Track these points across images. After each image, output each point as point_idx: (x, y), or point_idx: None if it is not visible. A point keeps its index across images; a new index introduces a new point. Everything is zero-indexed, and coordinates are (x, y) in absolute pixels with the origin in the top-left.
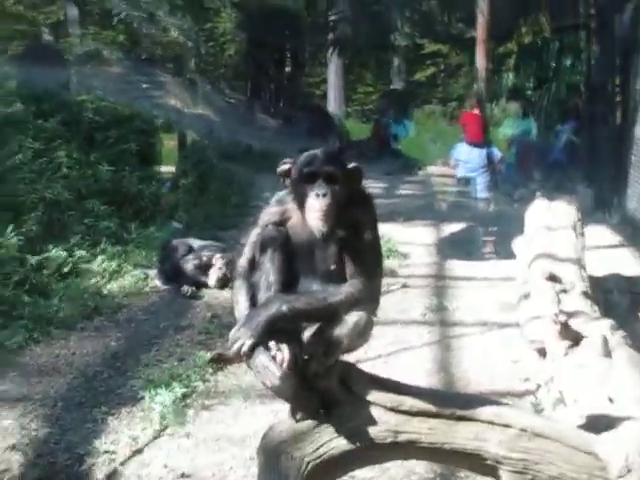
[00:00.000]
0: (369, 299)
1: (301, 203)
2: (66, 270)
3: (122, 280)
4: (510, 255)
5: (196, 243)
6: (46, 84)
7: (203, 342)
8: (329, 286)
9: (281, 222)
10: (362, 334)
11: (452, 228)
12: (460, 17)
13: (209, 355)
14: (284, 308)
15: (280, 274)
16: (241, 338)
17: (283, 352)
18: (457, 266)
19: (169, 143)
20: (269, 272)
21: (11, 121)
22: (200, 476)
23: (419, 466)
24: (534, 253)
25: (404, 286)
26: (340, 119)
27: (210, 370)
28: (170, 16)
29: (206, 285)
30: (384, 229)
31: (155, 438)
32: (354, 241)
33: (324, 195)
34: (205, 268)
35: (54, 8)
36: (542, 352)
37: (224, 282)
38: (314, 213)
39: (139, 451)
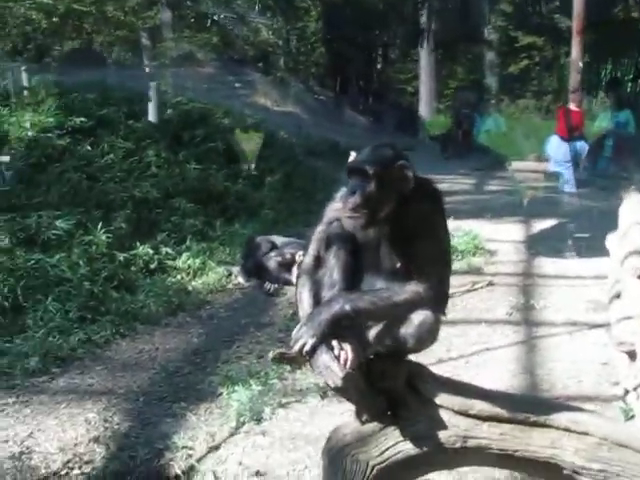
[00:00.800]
0: (436, 298)
1: None
2: (152, 267)
3: (206, 277)
4: (603, 252)
5: (279, 240)
6: (139, 86)
7: (283, 339)
8: (394, 284)
9: None
10: (429, 334)
11: (541, 224)
12: (554, 7)
13: (271, 354)
14: (347, 307)
15: (344, 272)
16: (303, 337)
17: (346, 351)
18: (546, 263)
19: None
20: (333, 269)
21: (103, 122)
22: (275, 475)
23: (498, 472)
24: (627, 250)
25: (490, 284)
26: (420, 115)
27: (287, 367)
28: (261, 17)
29: (289, 282)
30: (472, 225)
31: (231, 435)
32: (420, 237)
33: (352, 192)
34: (288, 265)
35: (151, 13)
36: (633, 355)
37: None
38: (343, 211)
39: (216, 447)
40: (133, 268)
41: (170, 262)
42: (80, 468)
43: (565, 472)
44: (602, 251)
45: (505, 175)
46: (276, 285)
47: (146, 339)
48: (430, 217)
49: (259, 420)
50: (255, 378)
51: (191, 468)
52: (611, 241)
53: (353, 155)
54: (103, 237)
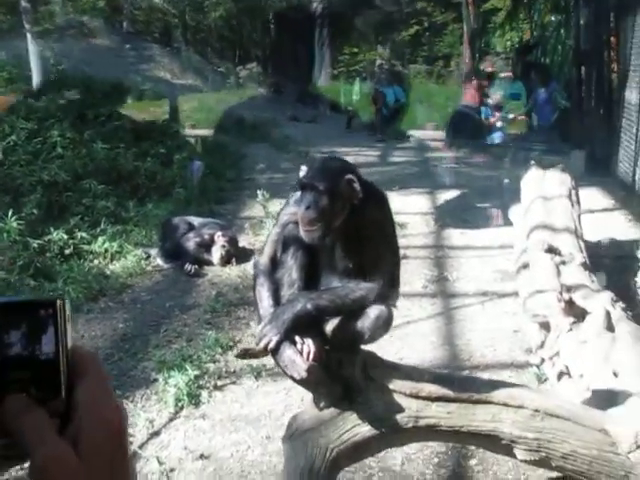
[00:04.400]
0: (389, 292)
1: None
2: (68, 252)
3: (124, 260)
4: (505, 222)
5: (196, 221)
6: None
7: (210, 321)
8: (350, 282)
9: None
10: (384, 326)
11: (446, 195)
12: None
13: (235, 351)
14: (309, 306)
15: (302, 271)
16: (267, 335)
17: (308, 345)
18: (454, 234)
19: (157, 111)
20: (292, 269)
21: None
22: (219, 456)
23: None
24: (531, 223)
25: (404, 257)
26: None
27: (219, 350)
28: None
29: (208, 263)
30: None
31: (171, 420)
32: (371, 238)
33: (307, 207)
34: (207, 246)
35: None
36: (545, 325)
37: (227, 259)
38: (300, 224)
39: (157, 433)
40: (48, 254)
41: (86, 246)
42: None
43: (504, 442)
44: (505, 221)
45: (407, 146)
46: (196, 266)
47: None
48: (379, 220)
49: (197, 404)
50: (189, 362)
51: (133, 455)
52: (514, 213)
53: (304, 169)
54: (14, 224)
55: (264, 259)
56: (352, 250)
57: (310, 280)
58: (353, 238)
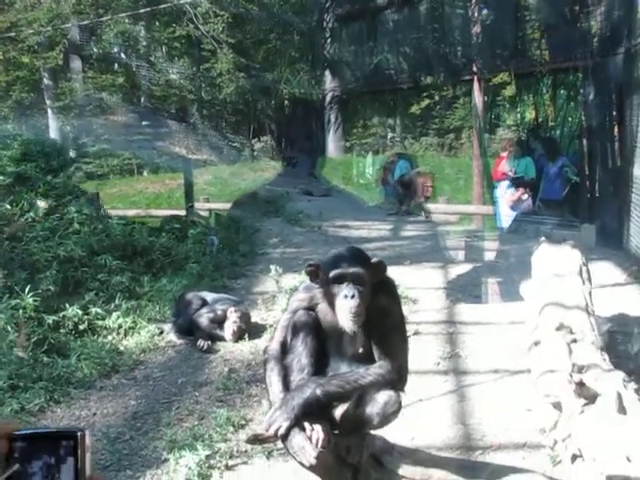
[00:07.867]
0: (397, 379)
1: (331, 301)
2: (82, 328)
3: (138, 336)
4: (516, 297)
5: (209, 296)
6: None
7: (222, 398)
8: (359, 367)
9: (310, 307)
10: (393, 412)
11: (458, 270)
12: (455, 50)
13: (245, 437)
14: (318, 392)
15: (312, 356)
16: (277, 421)
17: (317, 431)
18: (466, 310)
19: (171, 183)
20: (301, 355)
21: (21, 179)
22: None
23: None
24: (543, 300)
25: (416, 333)
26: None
27: (231, 429)
28: (167, 59)
29: (221, 339)
30: (393, 273)
31: None
32: (380, 325)
33: (352, 296)
34: (220, 321)
35: (53, 54)
36: (556, 404)
37: (239, 335)
38: (345, 313)
39: None
40: (62, 330)
41: (100, 322)
42: None
43: None
44: (515, 296)
45: (417, 219)
46: (209, 342)
47: (82, 404)
48: (389, 306)
49: None
50: (200, 441)
51: None
52: (526, 288)
53: (312, 263)
54: (30, 300)
55: (274, 344)
56: (362, 336)
57: (319, 365)
58: (363, 324)
